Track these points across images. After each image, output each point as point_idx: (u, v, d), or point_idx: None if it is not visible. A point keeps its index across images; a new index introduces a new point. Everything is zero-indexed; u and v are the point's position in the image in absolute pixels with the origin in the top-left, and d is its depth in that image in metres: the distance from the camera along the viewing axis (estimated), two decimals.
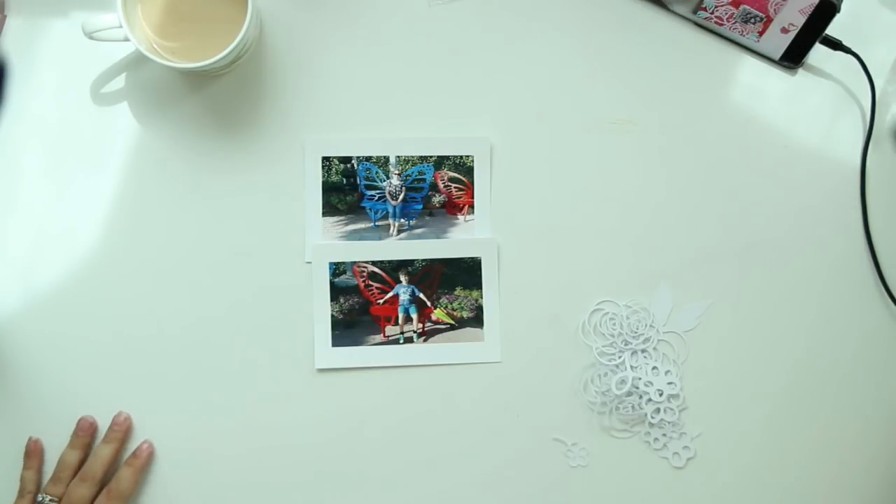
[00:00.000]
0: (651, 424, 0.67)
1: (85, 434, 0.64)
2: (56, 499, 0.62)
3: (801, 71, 0.68)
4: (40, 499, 0.62)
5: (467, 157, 0.67)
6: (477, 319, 0.67)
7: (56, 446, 0.65)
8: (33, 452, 0.64)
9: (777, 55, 0.67)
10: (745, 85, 0.69)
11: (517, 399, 0.67)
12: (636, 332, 0.67)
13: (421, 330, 0.67)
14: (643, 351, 0.67)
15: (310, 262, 0.66)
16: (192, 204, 0.66)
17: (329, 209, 0.67)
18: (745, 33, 0.66)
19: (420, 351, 0.67)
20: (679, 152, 0.68)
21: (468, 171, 0.67)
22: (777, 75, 0.68)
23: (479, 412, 0.67)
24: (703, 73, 0.68)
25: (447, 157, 0.67)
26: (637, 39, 0.68)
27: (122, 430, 0.64)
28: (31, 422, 0.65)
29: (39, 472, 0.64)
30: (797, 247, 0.68)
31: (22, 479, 0.63)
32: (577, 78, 0.68)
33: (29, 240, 0.66)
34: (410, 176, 0.67)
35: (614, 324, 0.67)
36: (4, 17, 0.66)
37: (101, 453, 0.63)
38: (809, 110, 0.69)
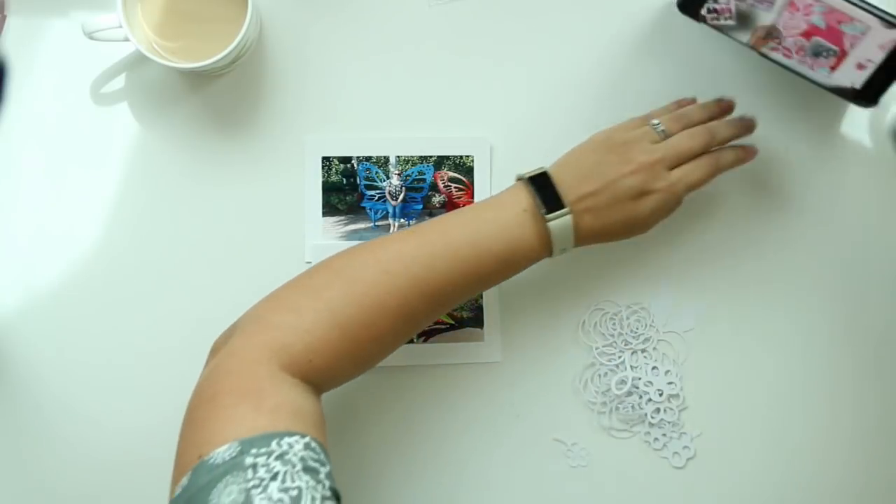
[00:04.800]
0: (651, 424, 0.67)
1: (720, 110, 0.64)
2: (665, 132, 0.61)
3: None
4: (654, 122, 0.61)
5: (467, 157, 0.67)
6: (477, 319, 0.67)
7: (57, 445, 0.65)
8: (683, 102, 0.64)
9: (850, 93, 0.60)
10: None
11: (517, 399, 0.67)
12: (636, 332, 0.67)
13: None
14: (643, 351, 0.67)
15: (310, 263, 0.66)
16: (192, 204, 0.66)
17: (329, 209, 0.67)
18: (815, 67, 0.59)
19: (420, 351, 0.67)
20: None
21: (468, 171, 0.67)
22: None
23: (479, 412, 0.67)
24: (704, 71, 0.68)
25: (447, 157, 0.67)
26: (638, 37, 0.68)
27: (748, 126, 0.63)
28: (31, 422, 0.65)
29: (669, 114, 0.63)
30: (797, 247, 0.68)
31: (652, 111, 0.64)
32: (577, 77, 0.68)
33: (29, 240, 0.66)
34: (410, 176, 0.67)
35: (614, 324, 0.67)
36: (4, 17, 0.66)
37: (726, 130, 0.62)
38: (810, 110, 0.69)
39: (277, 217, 0.67)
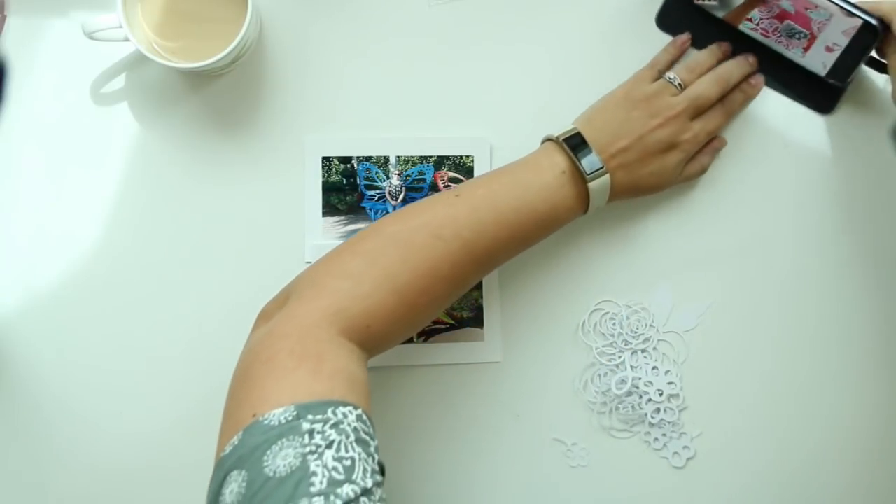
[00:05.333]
0: (651, 424, 0.67)
1: (724, 54, 0.66)
2: (682, 84, 0.63)
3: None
4: (670, 76, 0.63)
5: (467, 157, 0.67)
6: (477, 319, 0.67)
7: (56, 446, 0.65)
8: (678, 43, 0.66)
9: (823, 72, 0.64)
10: None
11: (517, 399, 0.67)
12: (636, 332, 0.67)
13: (421, 330, 0.67)
14: (643, 351, 0.67)
15: (310, 262, 0.66)
16: (192, 204, 0.66)
17: (329, 209, 0.67)
18: (790, 47, 0.64)
19: (420, 351, 0.67)
20: None
21: (468, 171, 0.68)
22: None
23: (479, 412, 0.67)
24: None
25: (447, 157, 0.67)
26: (639, 36, 0.68)
27: (754, 62, 0.66)
28: (31, 422, 0.65)
29: (674, 61, 0.66)
30: (797, 246, 0.68)
31: (655, 58, 0.66)
32: (577, 77, 0.68)
33: (29, 240, 0.66)
34: (410, 176, 0.67)
35: (614, 324, 0.67)
36: (4, 17, 0.66)
37: (736, 70, 0.65)
38: (810, 111, 0.68)
39: (277, 217, 0.67)
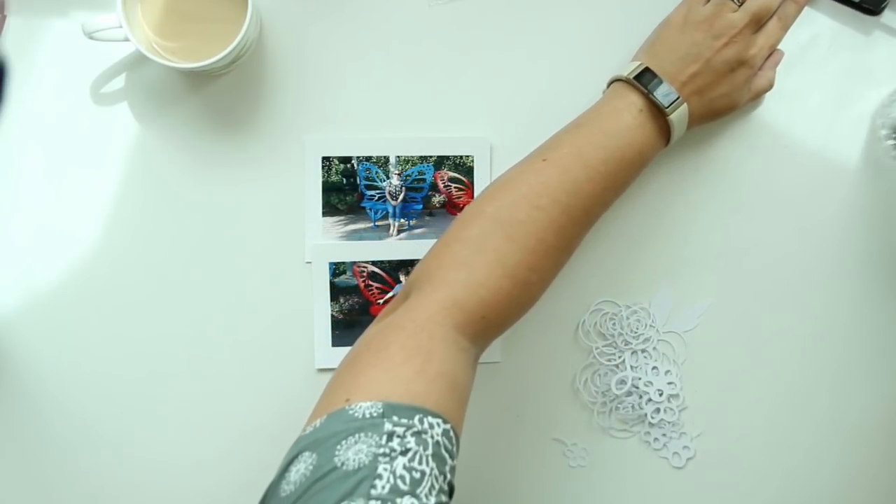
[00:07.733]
0: (651, 424, 0.67)
1: None
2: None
3: (800, 66, 0.68)
4: None
5: (467, 157, 0.67)
6: None
7: (56, 446, 0.65)
8: None
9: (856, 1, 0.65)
10: None
11: (517, 399, 0.67)
12: (636, 332, 0.67)
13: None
14: (643, 351, 0.67)
15: (310, 262, 0.66)
16: (192, 204, 0.66)
17: (329, 209, 0.67)
18: None
19: None
20: (679, 151, 0.68)
21: (468, 171, 0.68)
22: (781, 74, 0.68)
23: (479, 412, 0.67)
24: None
25: (447, 157, 0.67)
26: (639, 37, 0.68)
27: None
28: (31, 422, 0.65)
29: None
30: (797, 246, 0.68)
31: None
32: (577, 77, 0.68)
33: (29, 240, 0.66)
34: (410, 176, 0.67)
35: (614, 324, 0.67)
36: (4, 17, 0.66)
37: None
38: (810, 111, 0.68)
39: (277, 217, 0.67)
